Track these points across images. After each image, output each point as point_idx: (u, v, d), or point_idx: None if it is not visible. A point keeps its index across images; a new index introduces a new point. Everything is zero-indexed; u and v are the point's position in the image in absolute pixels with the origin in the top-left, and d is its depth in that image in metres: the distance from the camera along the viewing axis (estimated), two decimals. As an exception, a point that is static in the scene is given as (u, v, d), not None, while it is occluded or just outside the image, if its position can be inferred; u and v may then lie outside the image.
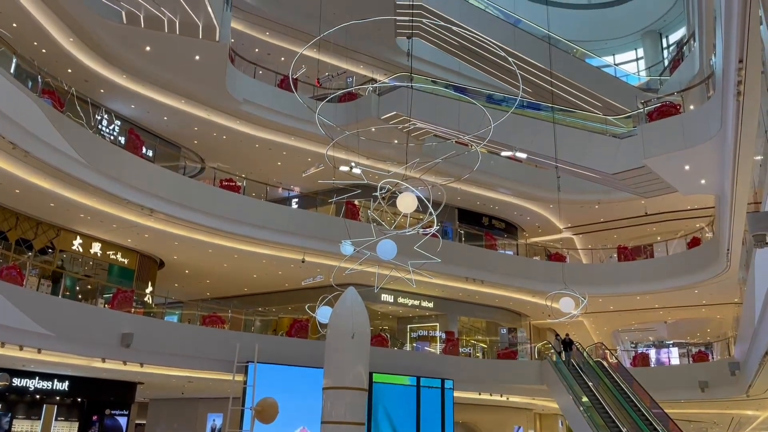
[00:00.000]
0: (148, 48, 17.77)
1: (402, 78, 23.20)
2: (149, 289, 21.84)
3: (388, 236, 12.75)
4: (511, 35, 23.84)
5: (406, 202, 11.38)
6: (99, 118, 18.96)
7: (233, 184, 21.40)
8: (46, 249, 18.87)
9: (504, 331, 28.92)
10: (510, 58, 20.26)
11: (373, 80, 24.48)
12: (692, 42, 23.06)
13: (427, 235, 16.65)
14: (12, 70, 15.34)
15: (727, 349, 25.14)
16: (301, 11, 23.44)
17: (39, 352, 15.23)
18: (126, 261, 21.15)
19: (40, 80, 16.33)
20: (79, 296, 19.44)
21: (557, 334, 26.35)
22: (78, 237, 19.60)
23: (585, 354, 24.55)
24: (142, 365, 17.43)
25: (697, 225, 25.88)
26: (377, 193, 12.84)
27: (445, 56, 26.13)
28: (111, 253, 20.70)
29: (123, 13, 16.49)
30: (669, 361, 27.50)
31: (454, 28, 22.75)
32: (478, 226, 28.16)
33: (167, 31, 16.65)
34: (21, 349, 14.88)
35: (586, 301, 17.51)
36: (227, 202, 20.18)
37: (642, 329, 31.45)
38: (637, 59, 34.14)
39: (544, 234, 30.15)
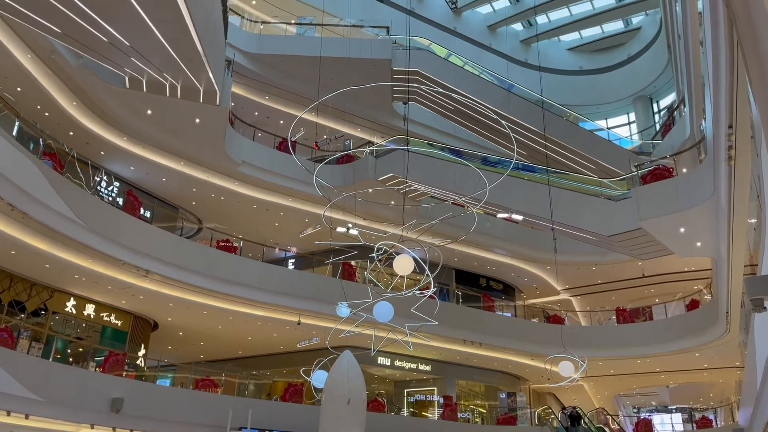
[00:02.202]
0: (149, 111, 17.94)
1: (399, 141, 23.33)
2: (142, 352, 21.40)
3: (384, 298, 12.55)
4: (505, 99, 24.26)
5: (403, 264, 11.32)
6: (98, 179, 19.02)
7: (230, 244, 21.28)
8: (38, 311, 18.58)
9: (503, 395, 28.26)
10: (504, 122, 20.54)
11: (371, 143, 24.61)
12: (682, 107, 23.52)
13: (424, 296, 16.36)
14: (14, 133, 15.48)
15: (731, 415, 24.53)
16: (299, 77, 23.81)
17: (26, 417, 14.73)
18: (119, 323, 20.83)
19: (41, 142, 16.46)
20: (70, 359, 19.00)
21: (563, 408, 25.63)
22: (71, 298, 19.34)
23: (586, 420, 23.92)
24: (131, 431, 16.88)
25: (695, 287, 25.71)
26: (374, 255, 12.67)
27: (440, 119, 26.53)
28: (104, 314, 20.37)
29: (126, 78, 16.65)
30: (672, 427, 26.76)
31: (449, 93, 23.14)
32: (475, 287, 27.84)
33: (169, 96, 16.83)
34: (8, 414, 14.41)
35: (585, 364, 17.19)
36: (223, 263, 19.98)
37: (644, 393, 30.77)
38: (629, 123, 34.79)
39: (542, 295, 29.78)
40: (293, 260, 25.54)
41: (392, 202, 22.49)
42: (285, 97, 24.64)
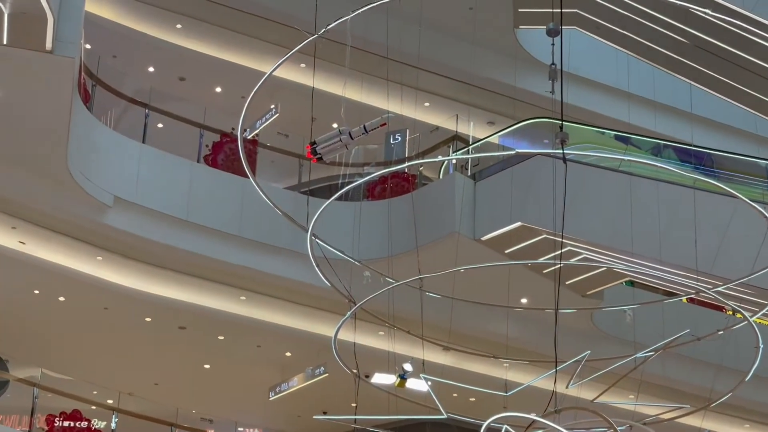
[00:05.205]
0: None
1: (533, 132, 10.91)
2: None
3: None
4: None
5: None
6: None
7: (85, 426, 10.54)
8: None
9: None
10: None
11: (458, 139, 11.95)
12: None
13: None
14: None
15: None
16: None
17: None
18: None
19: None
20: None
21: None
22: None
23: None
24: None
25: None
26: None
27: (643, 72, 11.63)
28: None
29: None
30: None
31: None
32: None
33: None
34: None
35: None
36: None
37: None
38: None
39: None
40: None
41: (523, 301, 10.88)
42: (226, 24, 11.86)
